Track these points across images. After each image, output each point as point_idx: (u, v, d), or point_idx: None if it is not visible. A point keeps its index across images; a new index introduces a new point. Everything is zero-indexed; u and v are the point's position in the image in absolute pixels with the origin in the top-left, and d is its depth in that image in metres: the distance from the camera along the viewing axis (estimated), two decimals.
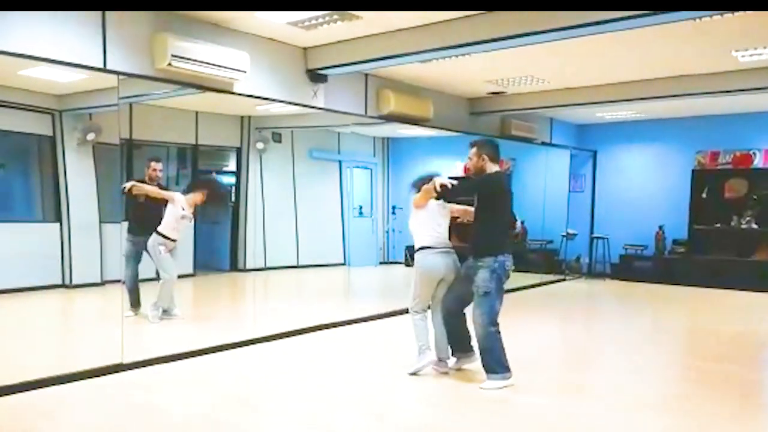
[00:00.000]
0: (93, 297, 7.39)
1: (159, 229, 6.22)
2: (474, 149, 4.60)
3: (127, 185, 6.21)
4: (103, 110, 6.93)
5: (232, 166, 9.68)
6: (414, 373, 4.69)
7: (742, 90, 7.36)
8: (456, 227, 5.20)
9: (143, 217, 6.16)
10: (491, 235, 4.51)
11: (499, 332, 4.47)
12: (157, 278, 6.33)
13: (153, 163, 6.46)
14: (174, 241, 6.30)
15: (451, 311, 4.75)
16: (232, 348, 5.39)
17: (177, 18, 5.32)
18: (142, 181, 6.40)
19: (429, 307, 4.89)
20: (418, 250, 4.83)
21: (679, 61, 6.94)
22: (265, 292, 8.92)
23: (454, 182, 4.52)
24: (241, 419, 3.77)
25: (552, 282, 10.44)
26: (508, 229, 4.62)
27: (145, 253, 6.30)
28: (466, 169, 4.87)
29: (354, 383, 4.59)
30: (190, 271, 8.55)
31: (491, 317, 4.43)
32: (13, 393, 4.09)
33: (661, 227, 10.72)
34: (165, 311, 6.32)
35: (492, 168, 4.58)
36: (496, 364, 4.43)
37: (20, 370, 4.36)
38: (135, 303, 6.37)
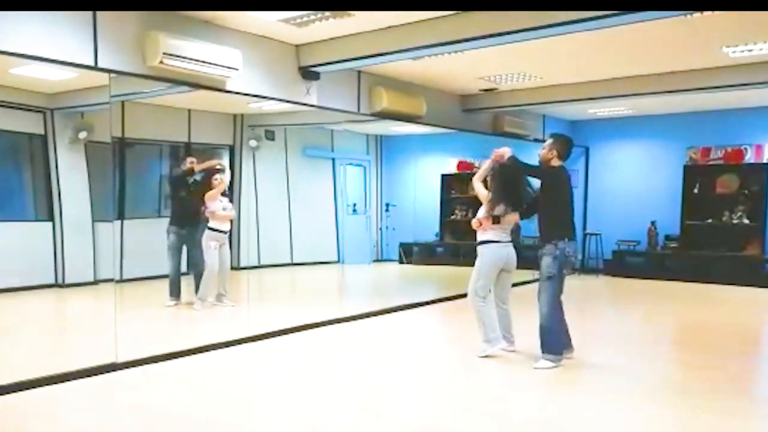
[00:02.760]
0: (86, 296, 7.37)
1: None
2: (550, 141, 5.05)
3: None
4: (95, 108, 6.90)
5: (225, 164, 9.66)
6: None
7: (733, 86, 7.40)
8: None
9: (185, 211, 6.77)
10: (552, 225, 4.90)
11: (563, 315, 4.90)
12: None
13: (188, 158, 7.05)
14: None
15: None
16: (226, 346, 5.39)
17: (168, 16, 5.29)
18: (183, 175, 6.97)
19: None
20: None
21: (670, 57, 6.97)
22: (259, 290, 8.91)
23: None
24: (235, 418, 3.77)
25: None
26: (569, 218, 4.95)
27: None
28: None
29: (349, 381, 4.59)
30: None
31: (553, 299, 4.84)
32: (6, 393, 4.08)
33: (653, 223, 10.77)
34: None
35: (556, 163, 4.97)
36: (554, 344, 4.83)
37: (13, 370, 4.35)
38: (176, 293, 6.84)
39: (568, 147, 5.03)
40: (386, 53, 5.96)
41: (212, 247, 6.78)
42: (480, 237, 5.20)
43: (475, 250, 5.23)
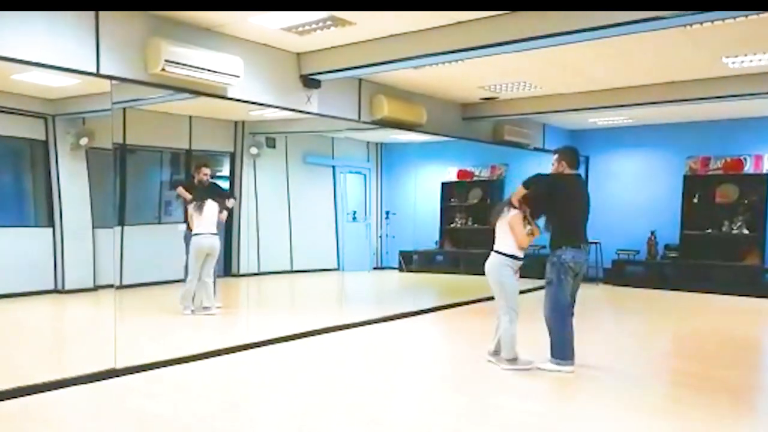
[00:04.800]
0: (86, 302, 7.37)
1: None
2: (556, 156, 5.17)
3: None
4: (97, 115, 6.93)
5: (225, 171, 9.68)
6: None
7: (733, 96, 7.42)
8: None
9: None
10: (554, 233, 5.10)
11: (566, 319, 4.98)
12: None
13: (203, 168, 7.15)
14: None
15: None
16: (226, 353, 5.38)
17: (170, 23, 5.33)
18: (191, 184, 7.09)
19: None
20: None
21: (670, 68, 6.99)
22: (258, 297, 8.91)
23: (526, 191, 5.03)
24: (233, 425, 3.76)
25: (545, 287, 10.46)
26: (574, 225, 5.14)
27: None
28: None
29: (349, 388, 4.59)
30: (183, 276, 8.54)
31: (552, 303, 5.00)
32: (6, 399, 4.07)
33: (653, 232, 10.77)
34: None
35: (568, 172, 5.12)
36: (557, 349, 4.96)
37: (12, 376, 4.35)
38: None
39: (574, 156, 5.16)
40: (387, 62, 5.99)
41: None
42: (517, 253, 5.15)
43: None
